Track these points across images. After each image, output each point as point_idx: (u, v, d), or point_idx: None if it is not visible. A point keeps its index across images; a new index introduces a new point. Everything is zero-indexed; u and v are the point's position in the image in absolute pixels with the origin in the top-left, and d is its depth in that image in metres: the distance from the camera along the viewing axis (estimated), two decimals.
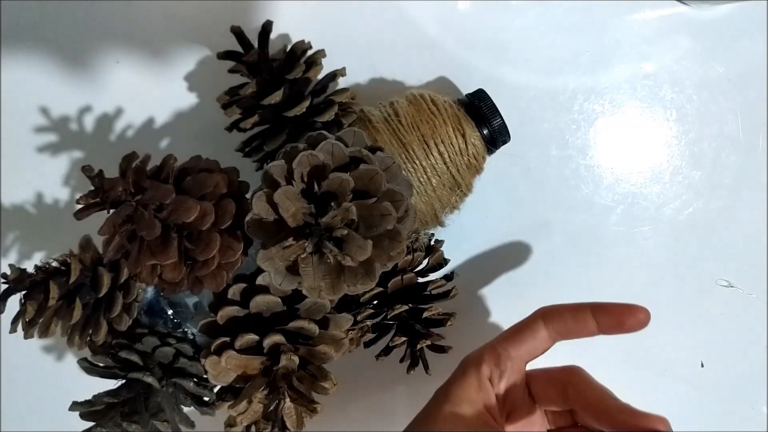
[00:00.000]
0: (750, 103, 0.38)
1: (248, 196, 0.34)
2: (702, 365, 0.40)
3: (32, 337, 0.31)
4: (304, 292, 0.28)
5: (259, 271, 0.31)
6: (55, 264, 0.32)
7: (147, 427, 0.31)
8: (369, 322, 0.34)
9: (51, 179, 0.39)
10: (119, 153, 0.32)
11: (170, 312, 0.34)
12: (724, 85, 0.38)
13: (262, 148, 0.33)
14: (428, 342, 0.34)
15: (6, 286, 0.31)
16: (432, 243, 0.36)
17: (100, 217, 0.31)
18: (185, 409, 0.33)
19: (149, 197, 0.30)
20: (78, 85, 0.38)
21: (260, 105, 0.33)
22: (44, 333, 0.31)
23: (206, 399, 0.33)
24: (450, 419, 0.28)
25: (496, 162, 0.37)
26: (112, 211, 0.31)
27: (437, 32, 0.39)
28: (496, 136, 0.34)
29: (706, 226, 0.39)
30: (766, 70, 0.38)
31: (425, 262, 0.35)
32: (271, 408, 0.29)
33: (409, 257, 0.34)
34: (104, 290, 0.30)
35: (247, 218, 0.27)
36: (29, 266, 0.32)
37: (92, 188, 0.31)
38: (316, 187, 0.27)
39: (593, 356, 0.39)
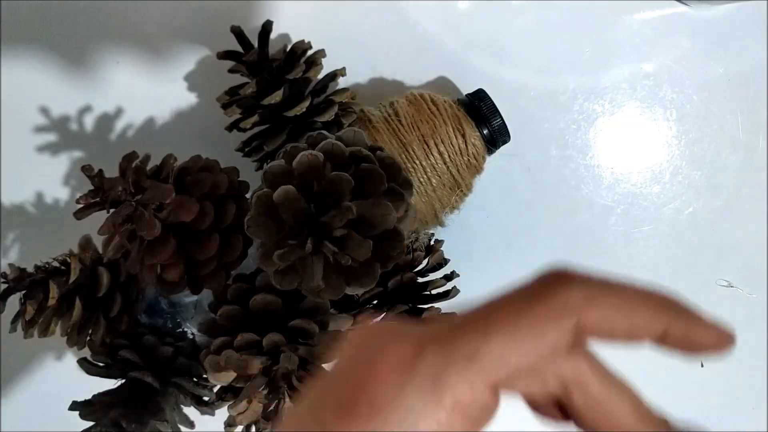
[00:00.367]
0: (750, 102, 0.38)
1: (248, 195, 0.34)
2: (702, 365, 0.40)
3: (32, 336, 0.31)
4: (304, 292, 0.28)
5: (259, 270, 0.31)
6: (55, 264, 0.32)
7: (147, 427, 0.31)
8: None
9: (51, 179, 0.39)
10: (119, 153, 0.32)
11: (170, 312, 0.34)
12: (724, 85, 0.38)
13: (262, 148, 0.33)
14: None
15: (6, 285, 0.31)
16: (432, 243, 0.36)
17: (100, 217, 0.31)
18: (185, 409, 0.33)
19: (149, 197, 0.30)
20: (78, 85, 0.38)
21: (260, 105, 0.33)
22: (44, 332, 0.31)
23: (206, 399, 0.33)
24: None
25: (496, 162, 0.37)
26: (112, 210, 0.31)
27: (437, 32, 0.39)
28: (496, 136, 0.34)
29: (706, 226, 0.39)
30: (766, 70, 0.38)
31: (425, 261, 0.35)
32: (271, 407, 0.29)
33: (409, 257, 0.34)
34: (104, 290, 0.30)
35: (247, 218, 0.27)
36: (29, 266, 0.32)
37: (92, 188, 0.31)
38: (315, 186, 0.27)
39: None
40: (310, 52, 0.34)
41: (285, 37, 0.38)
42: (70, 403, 0.30)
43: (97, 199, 0.31)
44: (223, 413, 0.31)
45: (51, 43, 0.38)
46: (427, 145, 0.32)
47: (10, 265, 0.31)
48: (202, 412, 0.33)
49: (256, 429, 0.30)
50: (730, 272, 0.39)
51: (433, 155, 0.32)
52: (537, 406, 0.20)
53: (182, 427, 0.32)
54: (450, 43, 0.39)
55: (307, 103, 0.32)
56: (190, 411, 0.33)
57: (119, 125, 0.39)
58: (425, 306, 0.34)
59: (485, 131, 0.34)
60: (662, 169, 0.39)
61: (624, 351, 0.38)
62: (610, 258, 0.40)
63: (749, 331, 0.40)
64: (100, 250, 0.32)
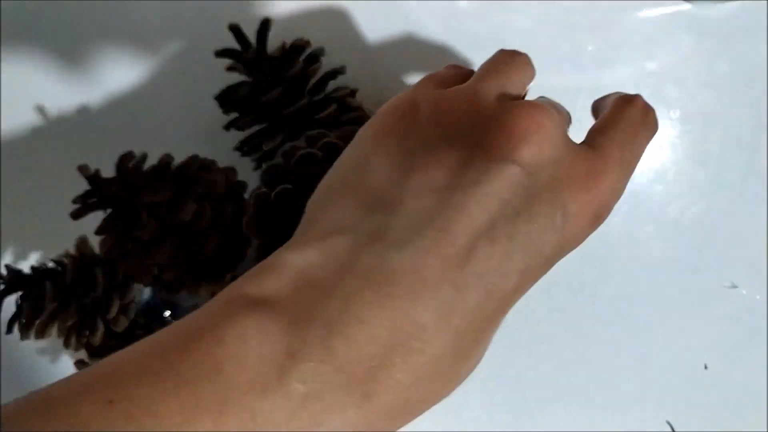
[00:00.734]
0: (755, 101, 0.38)
1: (246, 195, 0.34)
2: (705, 367, 0.40)
3: (29, 338, 0.31)
4: None
5: None
6: (51, 264, 0.32)
7: None
8: None
9: (47, 179, 0.38)
10: (115, 152, 0.32)
11: (168, 313, 0.34)
12: (728, 84, 0.38)
13: (261, 147, 0.33)
14: None
15: (2, 287, 0.30)
16: None
17: (96, 217, 0.31)
18: None
19: (146, 197, 0.30)
20: (74, 83, 0.38)
21: (258, 103, 0.32)
22: (41, 334, 0.31)
23: None
24: None
25: None
26: (108, 211, 0.31)
27: (438, 31, 0.38)
28: None
29: (710, 225, 0.39)
30: None
31: None
32: None
33: None
34: (100, 291, 0.30)
35: (245, 218, 0.27)
36: (25, 267, 0.32)
37: (89, 188, 0.31)
38: (315, 186, 0.26)
39: (594, 356, 0.39)
40: (309, 50, 0.34)
41: (284, 34, 0.37)
42: None
43: (94, 199, 0.31)
44: None
45: (48, 41, 0.38)
46: None
47: (6, 266, 0.31)
48: None
49: None
50: (734, 272, 0.39)
51: None
52: None
53: None
54: (451, 42, 0.38)
55: (305, 102, 0.32)
56: None
57: (116, 124, 0.38)
58: None
59: None
60: (666, 168, 0.39)
61: (628, 358, 0.37)
62: (613, 258, 0.39)
63: (754, 333, 0.39)
64: (96, 250, 0.32)
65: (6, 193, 0.39)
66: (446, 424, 0.40)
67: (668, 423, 0.39)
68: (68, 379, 0.17)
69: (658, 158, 0.39)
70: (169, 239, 0.30)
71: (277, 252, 0.19)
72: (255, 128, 0.34)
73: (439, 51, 0.38)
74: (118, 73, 0.38)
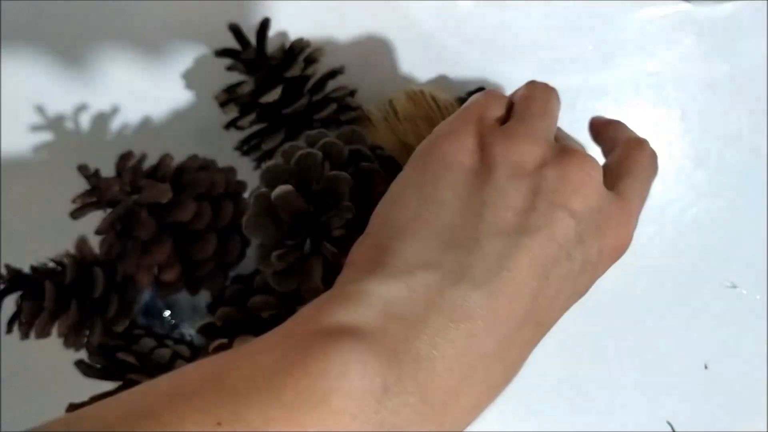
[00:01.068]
0: (755, 102, 0.38)
1: (246, 195, 0.34)
2: (706, 367, 0.39)
3: (28, 338, 0.31)
4: (303, 293, 0.27)
5: (257, 271, 0.31)
6: (51, 264, 0.32)
7: None
8: None
9: (47, 178, 0.38)
10: (115, 152, 0.32)
11: (167, 313, 0.34)
12: (728, 84, 0.38)
13: (260, 147, 0.33)
14: None
15: (2, 286, 0.30)
16: None
17: (96, 217, 0.31)
18: None
19: (145, 197, 0.30)
20: (74, 83, 0.38)
21: (258, 103, 0.32)
22: (41, 334, 0.31)
23: None
24: None
25: None
26: (108, 210, 0.31)
27: (438, 30, 0.38)
28: None
29: (710, 226, 0.39)
30: None
31: None
32: None
33: None
34: (99, 291, 0.30)
35: (245, 218, 0.27)
36: (25, 266, 0.31)
37: (88, 187, 0.31)
38: (314, 186, 0.26)
39: (594, 356, 0.39)
40: (308, 50, 0.34)
41: (284, 35, 0.37)
42: (67, 405, 0.30)
43: (94, 199, 0.31)
44: None
45: (47, 42, 0.38)
46: None
47: (6, 265, 0.31)
48: None
49: None
50: (734, 272, 0.39)
51: None
52: None
53: None
54: (451, 42, 0.38)
55: (305, 101, 0.32)
56: None
57: (115, 124, 0.38)
58: None
59: None
60: (666, 168, 0.39)
61: (629, 358, 0.37)
62: None
63: (754, 333, 0.39)
64: (96, 250, 0.32)
65: (6, 192, 0.39)
66: None
67: (668, 423, 0.39)
68: (160, 388, 0.17)
69: (658, 158, 0.39)
70: (168, 239, 0.30)
71: (358, 279, 0.20)
72: (255, 128, 0.34)
73: (439, 51, 0.38)
74: (118, 73, 0.38)
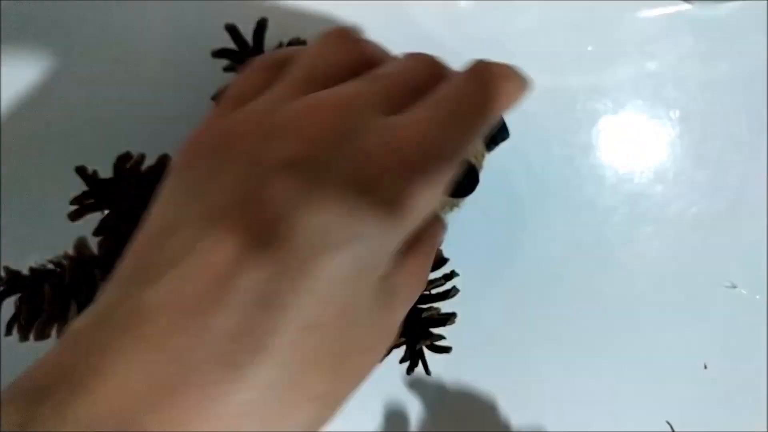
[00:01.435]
0: (755, 102, 0.38)
1: None
2: (705, 367, 0.39)
3: (28, 340, 0.30)
4: None
5: None
6: (50, 266, 0.32)
7: None
8: None
9: (45, 179, 0.38)
10: (113, 153, 0.31)
11: None
12: (728, 84, 0.38)
13: None
14: (428, 342, 0.33)
15: (1, 289, 0.30)
16: None
17: (95, 218, 0.31)
18: None
19: (144, 197, 0.30)
20: (72, 84, 0.38)
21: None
22: (40, 336, 0.30)
23: None
24: None
25: (497, 161, 0.36)
26: (106, 211, 0.31)
27: (438, 31, 0.38)
28: (495, 133, 0.34)
29: (710, 226, 0.39)
30: None
31: None
32: None
33: None
34: (99, 291, 0.30)
35: None
36: (24, 268, 0.31)
37: (87, 189, 0.31)
38: None
39: (594, 356, 0.39)
40: None
41: (281, 34, 0.37)
42: None
43: (92, 200, 0.30)
44: None
45: (47, 42, 0.38)
46: None
47: (5, 267, 0.31)
48: None
49: None
50: (734, 272, 0.39)
51: None
52: None
53: None
54: (451, 42, 0.38)
55: None
56: None
57: (113, 125, 0.38)
58: (425, 306, 0.34)
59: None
60: (665, 168, 0.39)
61: (628, 358, 0.37)
62: (613, 258, 0.39)
63: (753, 333, 0.39)
64: (95, 251, 0.32)
65: (4, 194, 0.39)
66: (445, 424, 0.40)
67: (668, 423, 0.39)
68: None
69: (657, 158, 0.39)
70: None
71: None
72: None
73: (439, 51, 0.38)
74: (116, 74, 0.38)
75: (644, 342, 0.39)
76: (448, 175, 0.19)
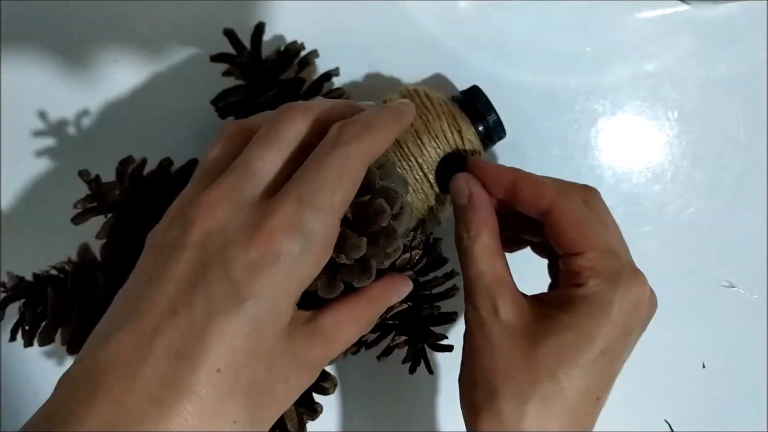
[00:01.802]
0: (752, 102, 0.38)
1: None
2: (703, 366, 0.40)
3: (32, 345, 0.31)
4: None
5: None
6: (53, 271, 0.32)
7: None
8: None
9: (47, 184, 0.39)
10: (115, 157, 0.32)
11: None
12: (726, 85, 0.38)
13: None
14: (429, 341, 0.34)
15: (5, 294, 0.31)
16: (431, 241, 0.35)
17: (97, 222, 0.31)
18: None
19: (146, 201, 0.30)
20: (74, 87, 0.38)
21: (254, 106, 0.32)
22: (44, 341, 0.31)
23: None
24: None
25: (496, 161, 0.37)
26: (109, 215, 0.31)
27: (437, 31, 0.38)
28: (492, 132, 0.34)
29: (707, 226, 0.39)
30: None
31: (424, 260, 0.35)
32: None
33: (407, 255, 0.33)
34: (101, 295, 0.30)
35: None
36: (27, 274, 0.32)
37: (89, 193, 0.31)
38: None
39: None
40: (303, 53, 0.34)
41: (280, 38, 0.37)
42: None
43: (95, 204, 0.31)
44: None
45: (48, 43, 0.38)
46: (420, 140, 0.32)
47: (8, 273, 0.31)
48: None
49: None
50: (732, 272, 0.39)
51: (427, 151, 0.32)
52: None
53: None
54: (450, 42, 0.38)
55: None
56: None
57: (114, 129, 0.38)
58: (425, 305, 0.34)
59: (480, 127, 0.33)
60: (664, 169, 0.39)
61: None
62: None
63: (751, 332, 0.39)
64: (98, 255, 0.32)
65: (6, 198, 0.39)
66: (445, 425, 0.40)
67: (667, 422, 0.39)
68: None
69: (656, 159, 0.39)
70: None
71: None
72: None
73: (439, 51, 0.38)
74: (117, 79, 0.38)
75: (642, 341, 0.39)
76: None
